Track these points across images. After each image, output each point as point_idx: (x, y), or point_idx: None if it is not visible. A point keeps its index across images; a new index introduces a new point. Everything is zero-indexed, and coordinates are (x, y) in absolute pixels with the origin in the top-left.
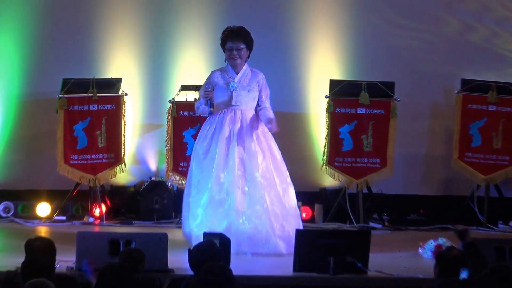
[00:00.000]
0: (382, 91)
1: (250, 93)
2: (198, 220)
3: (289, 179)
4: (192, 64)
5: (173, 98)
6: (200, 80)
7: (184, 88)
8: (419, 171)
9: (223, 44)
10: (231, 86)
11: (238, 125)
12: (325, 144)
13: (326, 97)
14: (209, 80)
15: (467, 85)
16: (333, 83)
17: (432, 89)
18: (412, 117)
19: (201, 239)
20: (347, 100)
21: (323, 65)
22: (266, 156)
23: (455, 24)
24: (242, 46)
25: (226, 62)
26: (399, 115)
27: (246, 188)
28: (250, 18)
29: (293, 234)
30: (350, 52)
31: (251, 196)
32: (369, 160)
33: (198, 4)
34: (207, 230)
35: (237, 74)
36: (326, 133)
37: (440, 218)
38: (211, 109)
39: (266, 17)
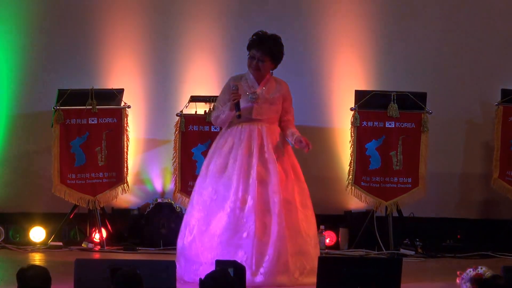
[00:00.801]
0: (413, 103)
1: (272, 106)
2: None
3: (310, 203)
4: (203, 73)
5: (181, 111)
6: (211, 91)
7: (194, 99)
8: (455, 191)
9: (249, 48)
10: (252, 98)
11: (259, 141)
12: (350, 162)
13: (351, 109)
14: (228, 86)
15: (507, 96)
16: (359, 94)
17: (469, 100)
18: (446, 132)
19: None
20: (374, 112)
21: (347, 74)
22: (288, 177)
23: (494, 30)
24: (266, 57)
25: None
26: (432, 129)
27: (266, 215)
28: (267, 24)
29: (310, 266)
30: (377, 60)
31: (270, 223)
32: (399, 180)
33: (209, 8)
34: (219, 258)
35: (258, 84)
36: (351, 149)
37: (479, 244)
38: (239, 112)
39: (285, 22)
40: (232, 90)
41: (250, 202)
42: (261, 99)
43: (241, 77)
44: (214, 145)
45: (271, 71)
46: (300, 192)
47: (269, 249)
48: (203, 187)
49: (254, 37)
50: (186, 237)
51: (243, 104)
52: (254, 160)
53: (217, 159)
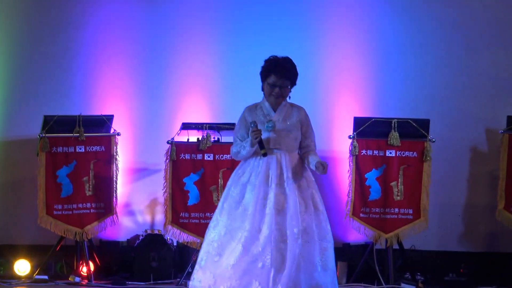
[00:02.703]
0: (415, 131)
1: (290, 134)
2: (210, 276)
3: (330, 236)
4: (195, 99)
5: (173, 138)
6: (204, 118)
7: (186, 126)
8: (458, 223)
9: (265, 75)
10: (268, 126)
11: (277, 171)
12: (349, 192)
13: (349, 137)
14: (244, 118)
15: None
16: (358, 121)
17: (473, 128)
18: (450, 161)
19: None
20: (374, 141)
21: (346, 101)
22: (308, 208)
23: (499, 55)
24: (287, 83)
25: (263, 97)
26: (434, 157)
27: (282, 246)
28: (262, 49)
29: None
30: (377, 86)
31: (287, 255)
32: (400, 211)
33: (202, 32)
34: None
35: (274, 111)
36: (350, 179)
37: (484, 278)
38: (264, 151)
39: (282, 47)
40: (252, 128)
41: (265, 231)
42: (278, 127)
43: (256, 106)
44: (232, 176)
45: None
46: (319, 224)
47: (284, 280)
48: (218, 219)
49: (271, 62)
50: (196, 271)
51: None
52: (272, 190)
53: (234, 189)
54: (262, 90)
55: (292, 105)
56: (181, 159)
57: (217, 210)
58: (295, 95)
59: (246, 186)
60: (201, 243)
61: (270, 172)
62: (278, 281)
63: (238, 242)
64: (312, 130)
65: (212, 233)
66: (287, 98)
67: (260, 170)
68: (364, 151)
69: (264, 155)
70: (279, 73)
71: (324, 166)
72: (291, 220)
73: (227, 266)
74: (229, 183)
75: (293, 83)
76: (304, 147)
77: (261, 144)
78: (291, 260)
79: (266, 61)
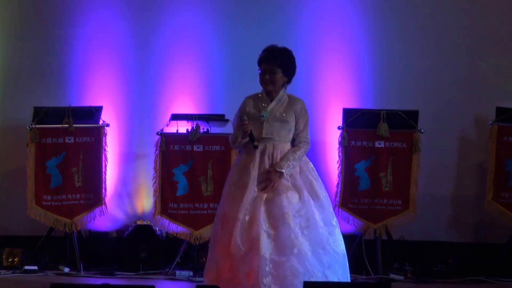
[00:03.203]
0: (403, 122)
1: (284, 124)
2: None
3: (335, 221)
4: (184, 90)
5: (162, 130)
6: (194, 109)
7: (175, 117)
8: (447, 214)
9: (258, 64)
10: (262, 116)
11: (270, 161)
12: (338, 183)
13: (339, 128)
14: (241, 109)
15: (502, 114)
16: (347, 112)
17: (462, 119)
18: (439, 152)
19: None
20: (363, 131)
21: (336, 92)
22: (304, 195)
23: (488, 46)
24: (277, 70)
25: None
26: (423, 149)
27: (273, 232)
28: (253, 41)
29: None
30: (366, 78)
31: (280, 241)
32: (388, 202)
33: (191, 24)
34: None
35: (271, 102)
36: (339, 170)
37: (472, 269)
38: (255, 143)
39: (272, 40)
40: (243, 121)
41: (258, 221)
42: (271, 117)
43: (256, 96)
44: (233, 164)
45: (284, 87)
46: (320, 209)
47: (280, 266)
48: (219, 207)
49: (263, 52)
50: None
51: (255, 124)
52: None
53: (231, 177)
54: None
55: (290, 96)
56: (170, 150)
57: (221, 198)
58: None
59: (241, 175)
60: (190, 234)
61: (263, 162)
62: (272, 267)
63: (232, 230)
64: (306, 125)
65: (216, 220)
66: (283, 89)
67: (254, 161)
68: (353, 142)
69: (255, 147)
70: (267, 59)
71: (267, 182)
72: (281, 207)
73: (224, 254)
74: (230, 171)
75: (286, 71)
76: (295, 140)
77: (251, 137)
78: (285, 245)
79: (263, 50)
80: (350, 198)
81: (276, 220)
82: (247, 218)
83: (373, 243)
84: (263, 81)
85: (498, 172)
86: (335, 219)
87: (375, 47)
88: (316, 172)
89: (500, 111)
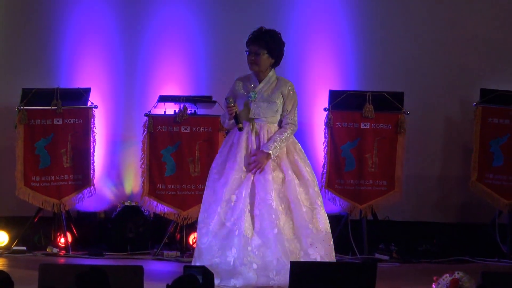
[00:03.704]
0: (389, 103)
1: (271, 105)
2: (206, 245)
3: (320, 201)
4: (171, 72)
5: (150, 111)
6: (181, 91)
7: (163, 99)
8: (431, 194)
9: (246, 45)
10: (249, 96)
11: (257, 141)
12: (324, 164)
13: (325, 109)
14: (231, 89)
15: (487, 95)
16: (333, 94)
17: (447, 100)
18: (424, 133)
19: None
20: (349, 113)
21: (322, 74)
22: (289, 175)
23: (472, 27)
24: (262, 51)
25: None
26: (409, 130)
27: (257, 212)
28: (240, 24)
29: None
30: (352, 59)
31: (261, 221)
32: (374, 183)
33: (179, 6)
34: (215, 256)
35: (259, 83)
36: (325, 151)
37: (457, 249)
38: (240, 125)
39: (259, 22)
40: (228, 104)
41: (243, 200)
42: (258, 97)
43: (245, 77)
44: (221, 145)
45: (272, 68)
46: (305, 189)
47: (259, 246)
48: (206, 187)
49: (251, 34)
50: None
51: (242, 103)
52: (250, 160)
53: (218, 159)
54: None
55: (279, 78)
56: (158, 131)
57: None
58: None
59: (227, 157)
60: (178, 215)
61: (250, 144)
62: (254, 246)
63: (217, 215)
64: (294, 107)
65: (205, 203)
66: (272, 70)
67: (240, 142)
68: (339, 124)
69: (240, 129)
70: (253, 41)
71: (254, 163)
72: (264, 188)
73: (210, 239)
74: (218, 153)
75: (272, 52)
76: (282, 122)
77: (236, 119)
78: (267, 224)
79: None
80: (336, 179)
81: (262, 200)
82: (233, 197)
83: (359, 224)
84: (249, 62)
85: (482, 153)
86: (320, 198)
87: (361, 29)
88: (303, 153)
89: (484, 92)
